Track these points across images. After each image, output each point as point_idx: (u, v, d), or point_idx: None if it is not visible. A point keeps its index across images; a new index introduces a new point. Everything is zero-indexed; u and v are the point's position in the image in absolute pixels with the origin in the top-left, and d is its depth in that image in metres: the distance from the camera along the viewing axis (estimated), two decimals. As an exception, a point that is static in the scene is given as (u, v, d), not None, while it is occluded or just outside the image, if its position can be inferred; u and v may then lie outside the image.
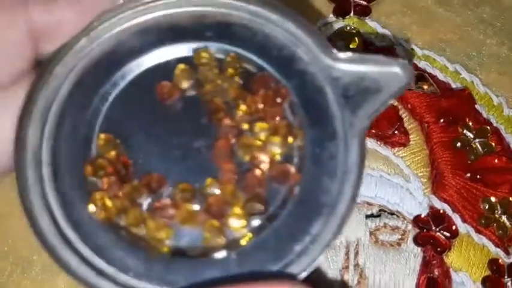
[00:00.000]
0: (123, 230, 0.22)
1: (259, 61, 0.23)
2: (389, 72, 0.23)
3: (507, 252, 0.34)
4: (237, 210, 0.22)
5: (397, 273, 0.33)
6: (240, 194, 0.22)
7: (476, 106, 0.36)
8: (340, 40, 0.37)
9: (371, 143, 0.35)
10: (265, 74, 0.23)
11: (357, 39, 0.37)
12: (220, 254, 0.22)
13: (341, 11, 0.38)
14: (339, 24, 0.38)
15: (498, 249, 0.34)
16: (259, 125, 0.23)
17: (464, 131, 0.36)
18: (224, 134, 0.23)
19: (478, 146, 0.36)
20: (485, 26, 0.39)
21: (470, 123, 0.36)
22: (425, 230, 0.34)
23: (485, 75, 0.37)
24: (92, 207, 0.22)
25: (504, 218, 0.34)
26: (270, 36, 0.23)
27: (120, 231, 0.22)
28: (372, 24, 0.38)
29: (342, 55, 0.23)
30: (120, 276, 0.21)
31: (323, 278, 0.33)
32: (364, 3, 0.38)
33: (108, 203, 0.22)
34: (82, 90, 0.23)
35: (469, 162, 0.35)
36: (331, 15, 0.38)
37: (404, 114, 0.36)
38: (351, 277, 0.33)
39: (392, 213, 0.35)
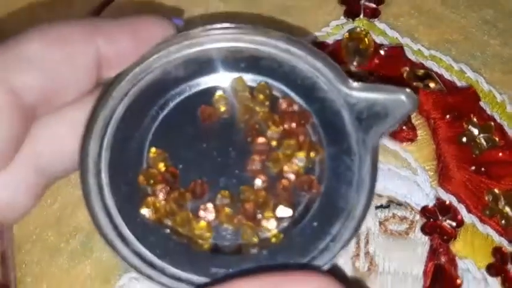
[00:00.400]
0: (171, 229, 0.25)
1: (286, 89, 0.27)
2: (396, 99, 0.26)
3: (510, 241, 0.35)
4: (269, 213, 0.25)
5: (405, 261, 0.34)
6: (271, 200, 0.26)
7: (480, 103, 0.37)
8: (350, 41, 0.38)
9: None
10: (290, 99, 0.27)
11: (366, 40, 0.38)
12: (254, 251, 0.25)
13: (351, 13, 0.40)
14: (349, 25, 0.39)
15: (502, 238, 0.35)
16: (286, 142, 0.26)
17: (469, 127, 0.37)
18: (257, 150, 0.26)
19: (483, 140, 0.36)
20: (489, 27, 0.40)
21: (475, 119, 0.37)
22: (432, 220, 0.35)
23: (489, 74, 0.38)
24: (144, 210, 0.25)
25: (507, 209, 0.35)
26: (295, 68, 0.27)
27: (168, 231, 0.25)
28: (381, 26, 0.39)
29: (356, 84, 0.26)
30: (168, 268, 0.24)
31: (335, 265, 0.34)
32: (374, 5, 0.40)
33: (159, 206, 0.25)
34: (134, 111, 0.26)
35: (474, 156, 0.36)
36: (342, 17, 0.40)
37: (412, 110, 0.37)
38: (361, 264, 0.34)
39: (400, 204, 0.36)
